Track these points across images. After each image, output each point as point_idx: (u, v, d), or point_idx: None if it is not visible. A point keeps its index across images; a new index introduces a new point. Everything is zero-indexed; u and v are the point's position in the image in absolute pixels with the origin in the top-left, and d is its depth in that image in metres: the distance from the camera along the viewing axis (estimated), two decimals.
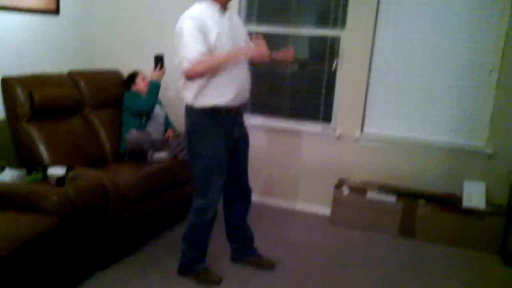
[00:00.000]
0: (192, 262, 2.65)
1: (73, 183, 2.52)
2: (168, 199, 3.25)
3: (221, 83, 2.36)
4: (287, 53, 2.59)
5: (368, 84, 3.58)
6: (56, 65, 3.59)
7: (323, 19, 3.66)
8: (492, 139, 3.33)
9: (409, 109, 3.53)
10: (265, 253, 2.91)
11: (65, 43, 3.78)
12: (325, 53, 3.69)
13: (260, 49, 2.32)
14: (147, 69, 3.51)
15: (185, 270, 2.67)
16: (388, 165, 3.59)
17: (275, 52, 2.51)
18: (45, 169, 2.59)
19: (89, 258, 2.58)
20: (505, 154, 3.30)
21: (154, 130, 3.45)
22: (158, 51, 3.36)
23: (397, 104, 3.55)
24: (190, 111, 2.45)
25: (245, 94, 2.52)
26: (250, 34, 2.67)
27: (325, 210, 3.72)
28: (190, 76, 2.30)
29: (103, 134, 3.39)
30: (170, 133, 3.58)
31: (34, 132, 2.93)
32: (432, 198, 3.39)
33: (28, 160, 2.88)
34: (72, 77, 3.40)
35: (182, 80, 2.39)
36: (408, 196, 3.42)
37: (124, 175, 2.94)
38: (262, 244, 2.97)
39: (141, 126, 3.39)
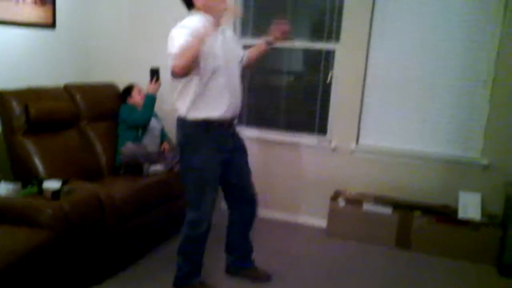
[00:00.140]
0: (188, 276, 2.63)
1: (68, 197, 2.51)
2: (164, 211, 3.24)
3: (214, 95, 2.37)
4: (281, 27, 2.59)
5: (363, 96, 3.60)
6: (52, 78, 3.60)
7: (317, 33, 3.69)
8: (487, 151, 3.35)
9: (404, 120, 3.55)
10: (261, 265, 2.90)
11: (62, 56, 3.79)
12: (320, 65, 3.71)
13: (281, 28, 2.53)
14: (143, 82, 3.53)
15: (180, 284, 2.64)
16: (383, 177, 3.60)
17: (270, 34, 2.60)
18: (40, 183, 2.58)
19: (84, 272, 2.56)
20: (500, 165, 3.32)
21: (150, 142, 3.45)
22: (154, 64, 3.37)
23: (392, 115, 3.58)
24: (183, 123, 2.44)
25: (237, 106, 2.52)
26: (245, 47, 2.69)
27: (321, 222, 3.72)
28: (177, 73, 2.22)
29: (99, 147, 3.39)
30: (166, 145, 3.58)
31: (30, 146, 2.93)
32: (428, 210, 3.40)
33: (23, 173, 2.88)
34: (68, 90, 3.41)
35: (177, 90, 2.39)
36: (404, 208, 3.43)
37: (120, 188, 2.94)
38: (258, 256, 2.95)
39: (137, 139, 3.39)
